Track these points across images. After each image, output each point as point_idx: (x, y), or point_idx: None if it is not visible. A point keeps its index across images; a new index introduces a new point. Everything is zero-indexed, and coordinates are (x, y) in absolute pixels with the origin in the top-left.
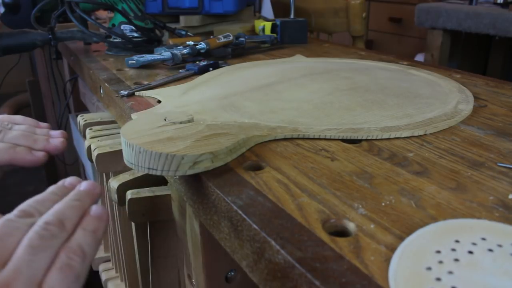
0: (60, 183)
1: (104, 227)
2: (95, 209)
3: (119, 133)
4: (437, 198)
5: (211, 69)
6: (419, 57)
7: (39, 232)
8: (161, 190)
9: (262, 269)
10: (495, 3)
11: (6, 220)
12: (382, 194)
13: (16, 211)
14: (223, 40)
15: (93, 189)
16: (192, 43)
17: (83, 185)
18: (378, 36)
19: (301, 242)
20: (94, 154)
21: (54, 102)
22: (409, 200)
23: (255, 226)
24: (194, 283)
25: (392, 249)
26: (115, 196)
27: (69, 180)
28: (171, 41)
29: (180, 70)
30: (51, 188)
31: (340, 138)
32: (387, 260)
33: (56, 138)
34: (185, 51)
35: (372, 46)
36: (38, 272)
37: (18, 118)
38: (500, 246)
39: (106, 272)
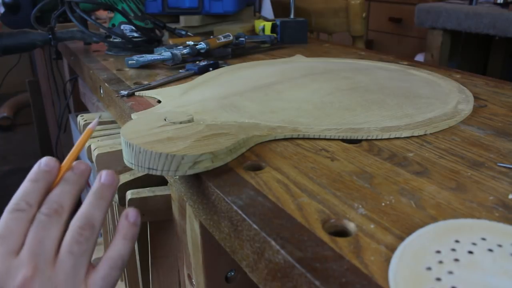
0: (36, 168)
1: (138, 229)
2: (132, 214)
3: (119, 133)
4: (437, 198)
5: (211, 69)
6: (419, 57)
7: (75, 237)
8: (161, 190)
9: (262, 269)
10: (495, 3)
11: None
12: (382, 194)
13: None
14: (223, 40)
15: (112, 181)
16: (192, 43)
17: (103, 178)
18: (378, 36)
19: (301, 242)
20: (94, 154)
21: (54, 102)
22: (409, 200)
23: (255, 226)
24: (194, 283)
25: (392, 249)
26: (115, 196)
27: (44, 162)
28: (171, 41)
29: (180, 70)
30: (31, 176)
31: (340, 138)
32: (387, 260)
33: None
34: (185, 51)
35: (372, 46)
36: (81, 271)
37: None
38: (500, 246)
39: None
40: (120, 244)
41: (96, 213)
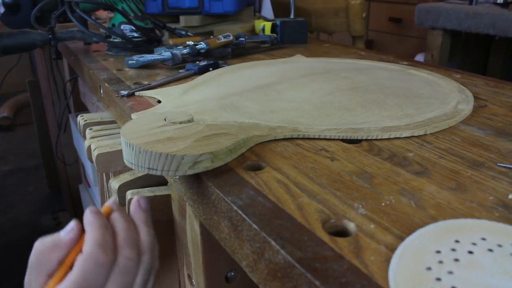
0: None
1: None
2: (143, 202)
3: (119, 133)
4: (437, 198)
5: (211, 69)
6: (419, 57)
7: (148, 269)
8: (161, 190)
9: (262, 269)
10: (495, 3)
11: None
12: (382, 194)
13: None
14: (223, 40)
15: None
16: (192, 43)
17: (143, 205)
18: (378, 36)
19: (301, 242)
20: (94, 154)
21: (54, 102)
22: (409, 200)
23: (255, 226)
24: (194, 283)
25: (392, 249)
26: (115, 196)
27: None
28: (171, 41)
29: (180, 70)
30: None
31: (340, 138)
32: (387, 260)
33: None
34: (185, 51)
35: (372, 46)
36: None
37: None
38: (500, 246)
39: None
40: (146, 231)
41: (152, 241)
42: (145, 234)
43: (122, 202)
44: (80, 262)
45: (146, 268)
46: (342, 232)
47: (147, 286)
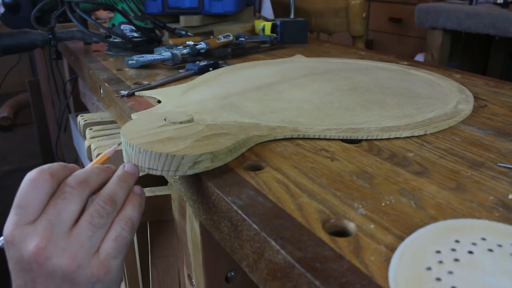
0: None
1: (144, 201)
2: (138, 188)
3: (119, 133)
4: (437, 198)
5: (211, 69)
6: (419, 57)
7: (97, 210)
8: (161, 190)
9: (262, 269)
10: (495, 3)
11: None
12: (382, 194)
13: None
14: (223, 40)
15: (135, 171)
16: (192, 43)
17: (127, 167)
18: (378, 36)
19: (301, 242)
20: (94, 154)
21: (54, 102)
22: (409, 200)
23: (255, 226)
24: (194, 283)
25: (392, 249)
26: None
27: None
28: (171, 41)
29: (180, 70)
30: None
31: (340, 138)
32: (387, 260)
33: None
34: (185, 51)
35: (372, 46)
36: (96, 243)
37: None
38: (500, 246)
39: None
40: (129, 209)
41: (119, 192)
42: (112, 183)
43: None
44: None
45: (97, 209)
46: (342, 232)
47: (105, 231)
